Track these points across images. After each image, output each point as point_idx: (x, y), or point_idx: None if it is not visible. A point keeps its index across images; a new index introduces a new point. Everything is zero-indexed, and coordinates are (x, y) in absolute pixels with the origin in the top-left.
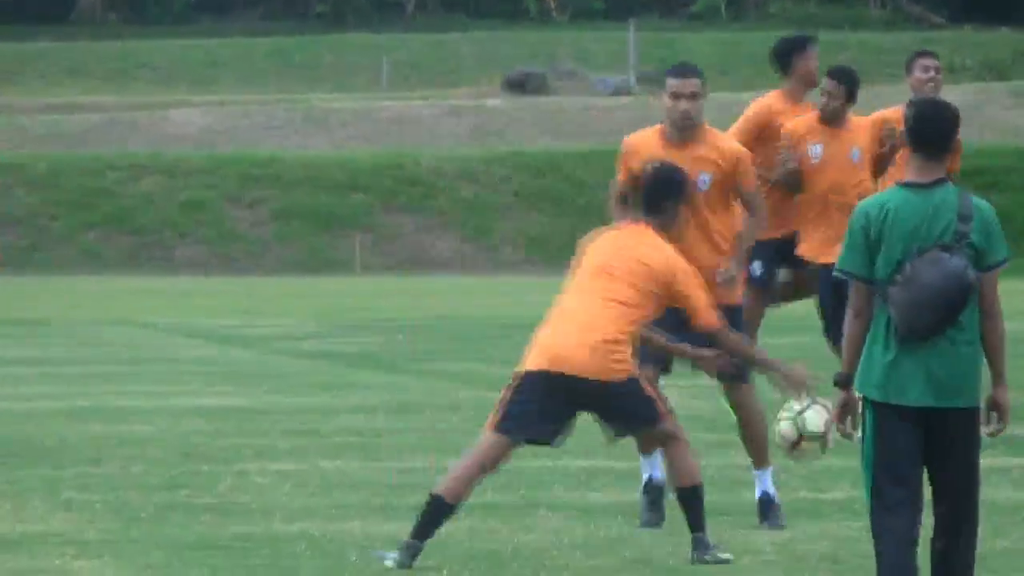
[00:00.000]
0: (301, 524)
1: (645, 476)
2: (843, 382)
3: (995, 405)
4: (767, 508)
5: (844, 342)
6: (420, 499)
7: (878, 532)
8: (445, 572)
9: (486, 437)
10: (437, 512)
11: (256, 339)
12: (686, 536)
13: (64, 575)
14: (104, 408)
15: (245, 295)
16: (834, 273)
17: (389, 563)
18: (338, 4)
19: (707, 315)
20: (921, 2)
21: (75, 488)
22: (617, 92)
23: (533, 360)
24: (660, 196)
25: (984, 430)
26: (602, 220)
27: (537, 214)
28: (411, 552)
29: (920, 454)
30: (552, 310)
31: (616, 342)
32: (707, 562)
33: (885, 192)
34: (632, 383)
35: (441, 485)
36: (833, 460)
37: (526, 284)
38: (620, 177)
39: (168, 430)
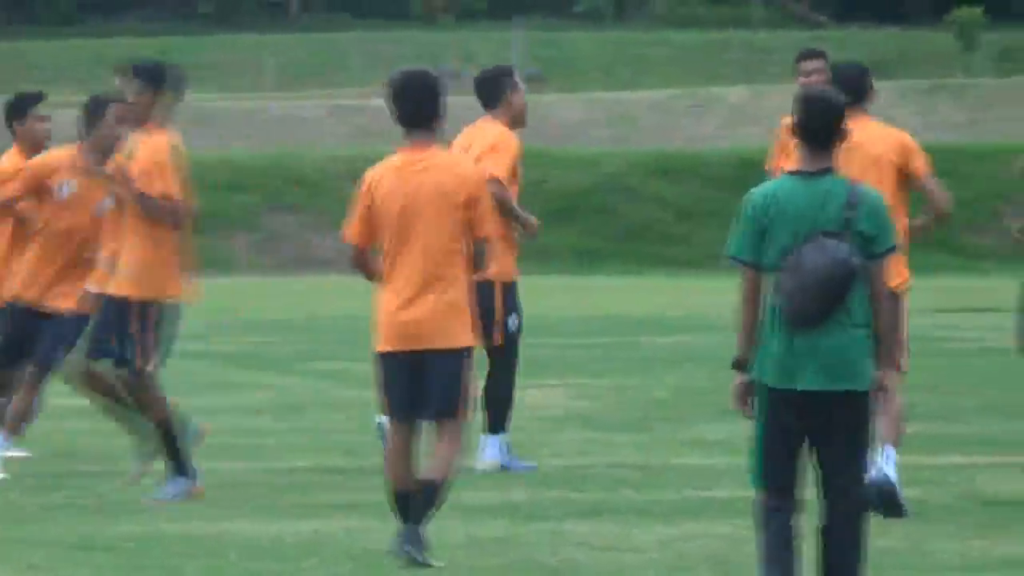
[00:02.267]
0: (185, 524)
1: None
2: (739, 365)
3: (880, 388)
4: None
5: (738, 328)
6: (305, 499)
7: (762, 518)
8: (322, 573)
9: (389, 426)
10: (405, 502)
11: None
12: (569, 536)
13: None
14: None
15: None
16: (728, 260)
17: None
18: (223, 4)
19: (493, 225)
20: (805, 1)
21: None
22: None
23: (391, 338)
24: (433, 103)
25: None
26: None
27: None
28: (408, 539)
29: (804, 443)
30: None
31: (462, 300)
32: (408, 555)
33: (774, 180)
34: (466, 358)
35: (387, 476)
36: (718, 459)
37: None
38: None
39: (50, 430)
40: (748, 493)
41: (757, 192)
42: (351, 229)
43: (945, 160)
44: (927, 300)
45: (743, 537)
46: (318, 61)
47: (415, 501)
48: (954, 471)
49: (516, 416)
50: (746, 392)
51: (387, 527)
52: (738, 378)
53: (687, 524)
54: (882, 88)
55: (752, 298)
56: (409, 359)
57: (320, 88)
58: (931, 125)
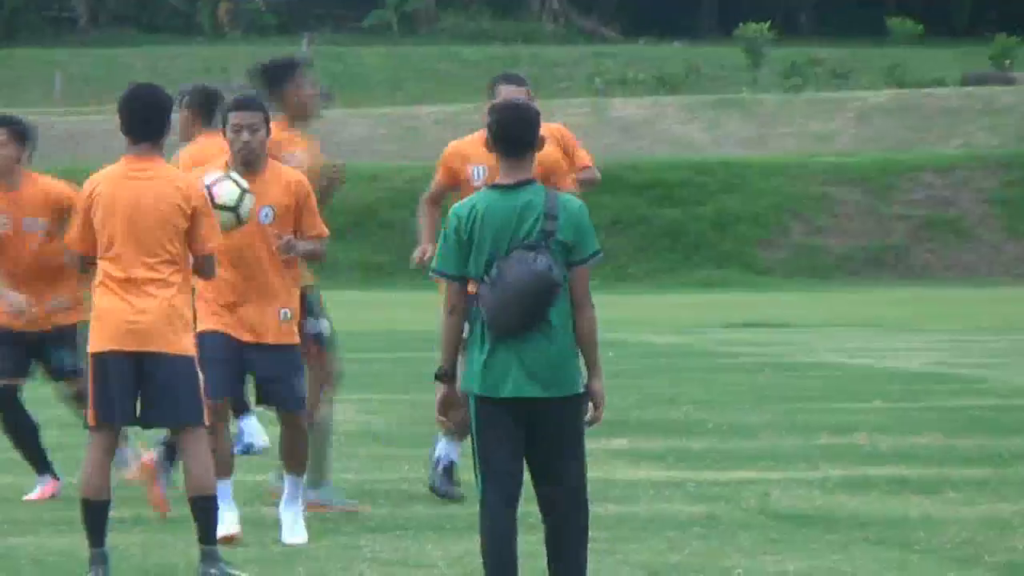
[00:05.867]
0: None
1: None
2: (443, 376)
3: (590, 394)
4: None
5: (442, 338)
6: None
7: (486, 522)
8: None
9: (91, 434)
10: (94, 514)
11: None
12: (360, 552)
13: None
14: None
15: None
16: (429, 273)
17: None
18: (9, 19)
19: (216, 235)
20: (593, 16)
21: None
22: None
23: (108, 339)
24: (161, 118)
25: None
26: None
27: None
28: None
29: (521, 447)
30: (104, 279)
31: (183, 305)
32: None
33: (476, 194)
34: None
35: (83, 487)
36: None
37: None
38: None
39: None
40: (536, 508)
41: (459, 206)
42: (73, 236)
43: (733, 175)
44: (716, 315)
45: (533, 552)
46: (106, 75)
47: (203, 521)
48: (746, 486)
49: None
50: (448, 404)
51: (185, 542)
52: (441, 390)
53: (477, 540)
54: (670, 103)
55: (457, 309)
56: (131, 359)
57: (109, 103)
58: (719, 140)
